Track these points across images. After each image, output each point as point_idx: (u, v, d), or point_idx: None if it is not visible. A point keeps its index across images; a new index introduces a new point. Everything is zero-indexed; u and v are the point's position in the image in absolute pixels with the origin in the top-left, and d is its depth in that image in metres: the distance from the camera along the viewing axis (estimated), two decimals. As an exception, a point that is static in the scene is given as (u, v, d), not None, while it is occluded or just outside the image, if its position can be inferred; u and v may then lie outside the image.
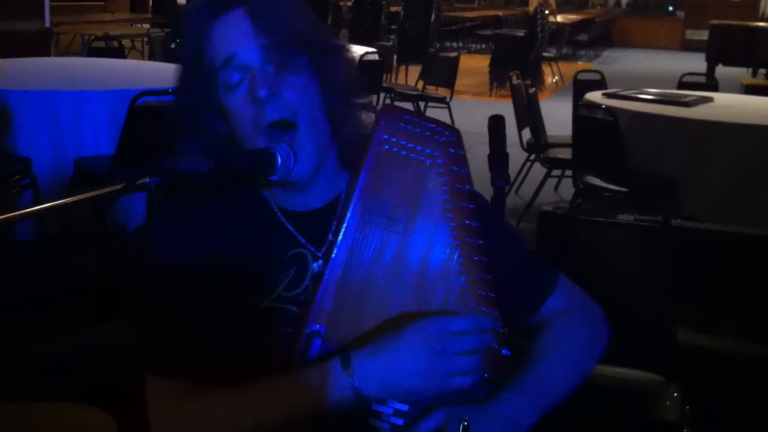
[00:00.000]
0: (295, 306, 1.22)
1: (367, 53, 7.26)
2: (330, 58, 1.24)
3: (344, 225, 1.21)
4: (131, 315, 1.27)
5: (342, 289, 1.19)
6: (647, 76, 13.16)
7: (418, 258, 1.22)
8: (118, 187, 1.00)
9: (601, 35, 18.51)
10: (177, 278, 1.22)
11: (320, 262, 1.25)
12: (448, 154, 1.24)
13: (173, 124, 1.24)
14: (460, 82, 9.01)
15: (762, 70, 13.15)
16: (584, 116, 4.97)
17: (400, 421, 1.18)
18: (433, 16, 12.52)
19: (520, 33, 12.14)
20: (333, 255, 1.20)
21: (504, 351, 1.23)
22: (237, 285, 1.22)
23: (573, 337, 1.34)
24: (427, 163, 1.24)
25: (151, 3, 14.96)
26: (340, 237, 1.20)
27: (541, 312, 1.37)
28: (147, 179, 1.03)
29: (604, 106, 4.93)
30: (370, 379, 1.14)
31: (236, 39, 1.18)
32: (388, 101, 8.01)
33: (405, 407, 1.18)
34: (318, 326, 1.18)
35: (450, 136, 1.25)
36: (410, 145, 1.24)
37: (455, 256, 1.23)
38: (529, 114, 5.85)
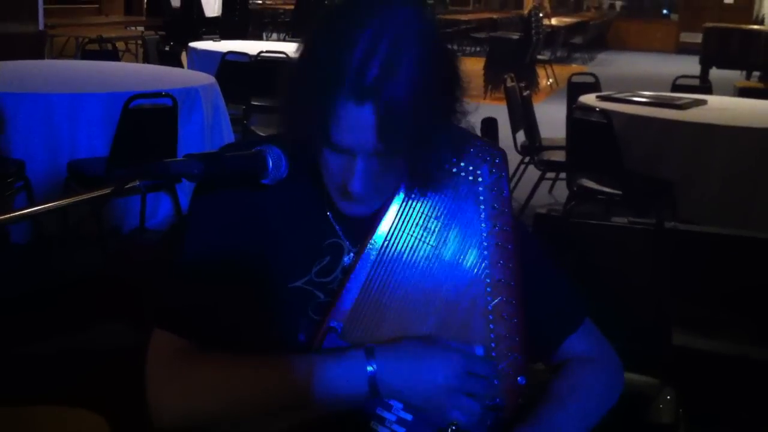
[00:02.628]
0: (322, 293, 1.23)
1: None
2: (429, 155, 1.16)
3: (377, 228, 1.21)
4: (154, 300, 1.26)
5: (366, 290, 1.20)
6: (642, 78, 13.18)
7: (447, 272, 1.22)
8: (107, 190, 1.00)
9: (596, 38, 18.55)
10: (214, 258, 1.22)
11: (351, 255, 1.24)
12: (491, 173, 1.24)
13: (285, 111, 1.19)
14: (455, 84, 8.98)
15: (756, 73, 13.17)
16: (578, 119, 4.98)
17: (402, 430, 1.18)
18: (427, 19, 12.52)
19: (515, 36, 12.15)
20: (362, 255, 1.21)
21: (520, 379, 1.23)
22: (271, 263, 1.22)
23: (593, 389, 1.32)
24: (469, 180, 1.24)
25: (145, 5, 14.95)
26: (370, 240, 1.21)
27: (561, 350, 1.35)
28: (137, 182, 1.03)
29: (598, 109, 4.94)
30: (388, 373, 1.14)
31: (355, 136, 1.10)
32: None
33: (409, 416, 1.18)
34: (335, 323, 1.19)
35: (495, 156, 1.25)
36: (454, 160, 1.23)
37: (484, 276, 1.23)
38: (523, 116, 5.85)
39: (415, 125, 1.10)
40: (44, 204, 0.98)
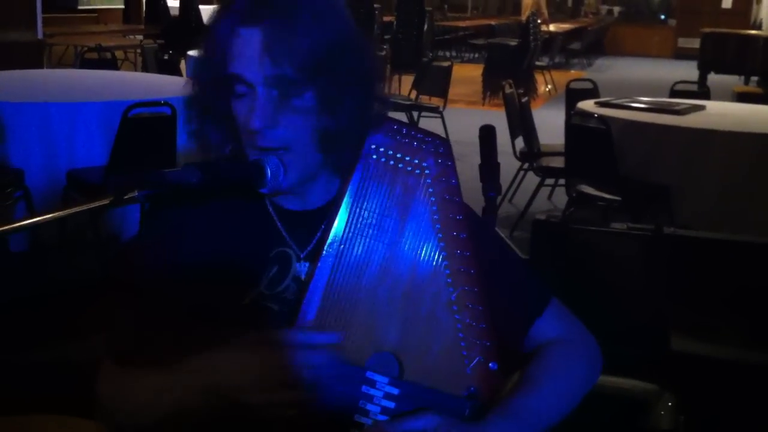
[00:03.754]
0: (276, 304, 1.23)
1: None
2: (340, 88, 1.18)
3: (330, 234, 1.21)
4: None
5: (327, 298, 1.19)
6: (640, 84, 13.19)
7: (406, 268, 1.22)
8: (106, 201, 1.00)
9: (593, 44, 18.55)
10: (164, 281, 1.22)
11: (303, 263, 1.25)
12: (437, 164, 1.25)
13: (194, 109, 1.24)
14: (454, 91, 9.03)
15: (754, 78, 13.18)
16: (577, 125, 4.99)
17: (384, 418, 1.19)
18: (426, 26, 12.55)
19: (513, 42, 12.17)
20: (318, 264, 1.20)
21: (491, 365, 1.23)
22: (220, 282, 1.23)
23: (568, 370, 1.33)
24: (416, 174, 1.24)
25: (144, 14, 14.98)
26: (326, 246, 1.20)
27: (532, 335, 1.35)
28: (135, 192, 1.03)
29: (596, 115, 4.94)
30: None
31: (246, 61, 1.15)
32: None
33: (391, 404, 1.18)
34: None
35: (439, 147, 1.26)
36: (399, 155, 1.24)
37: (443, 268, 1.23)
38: (522, 123, 5.86)
39: (309, 53, 1.14)
40: (43, 215, 0.98)
